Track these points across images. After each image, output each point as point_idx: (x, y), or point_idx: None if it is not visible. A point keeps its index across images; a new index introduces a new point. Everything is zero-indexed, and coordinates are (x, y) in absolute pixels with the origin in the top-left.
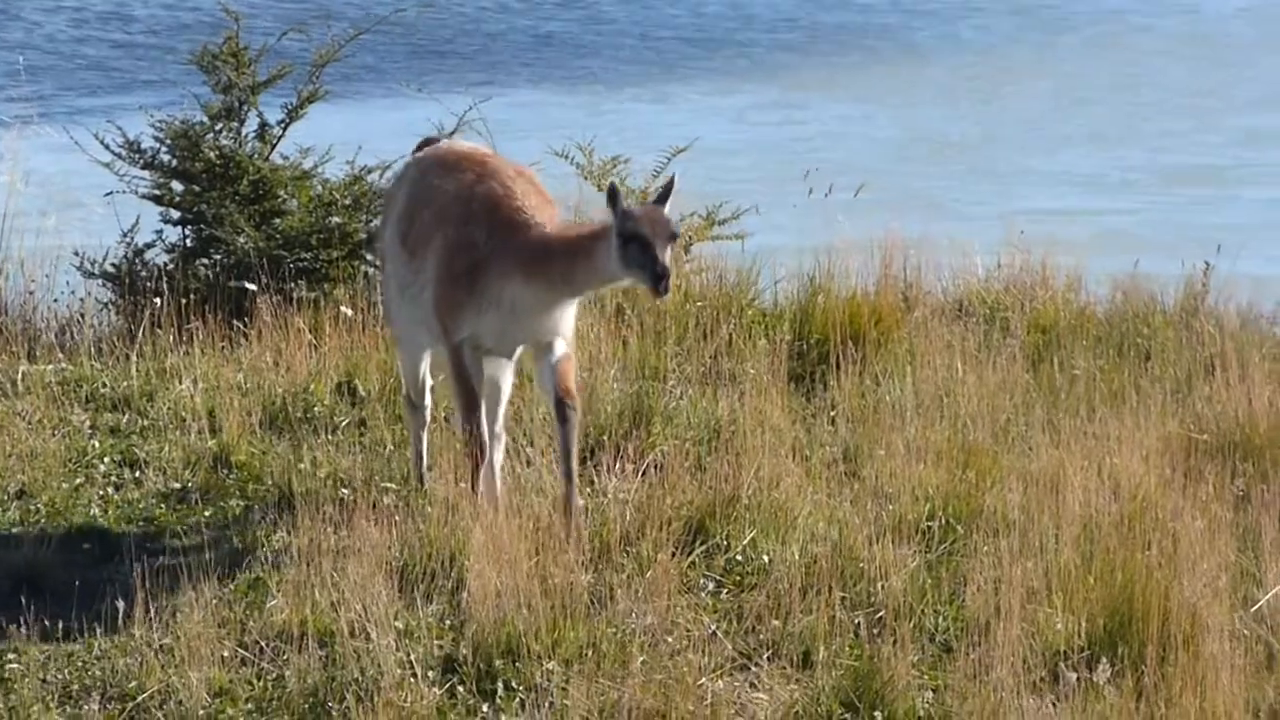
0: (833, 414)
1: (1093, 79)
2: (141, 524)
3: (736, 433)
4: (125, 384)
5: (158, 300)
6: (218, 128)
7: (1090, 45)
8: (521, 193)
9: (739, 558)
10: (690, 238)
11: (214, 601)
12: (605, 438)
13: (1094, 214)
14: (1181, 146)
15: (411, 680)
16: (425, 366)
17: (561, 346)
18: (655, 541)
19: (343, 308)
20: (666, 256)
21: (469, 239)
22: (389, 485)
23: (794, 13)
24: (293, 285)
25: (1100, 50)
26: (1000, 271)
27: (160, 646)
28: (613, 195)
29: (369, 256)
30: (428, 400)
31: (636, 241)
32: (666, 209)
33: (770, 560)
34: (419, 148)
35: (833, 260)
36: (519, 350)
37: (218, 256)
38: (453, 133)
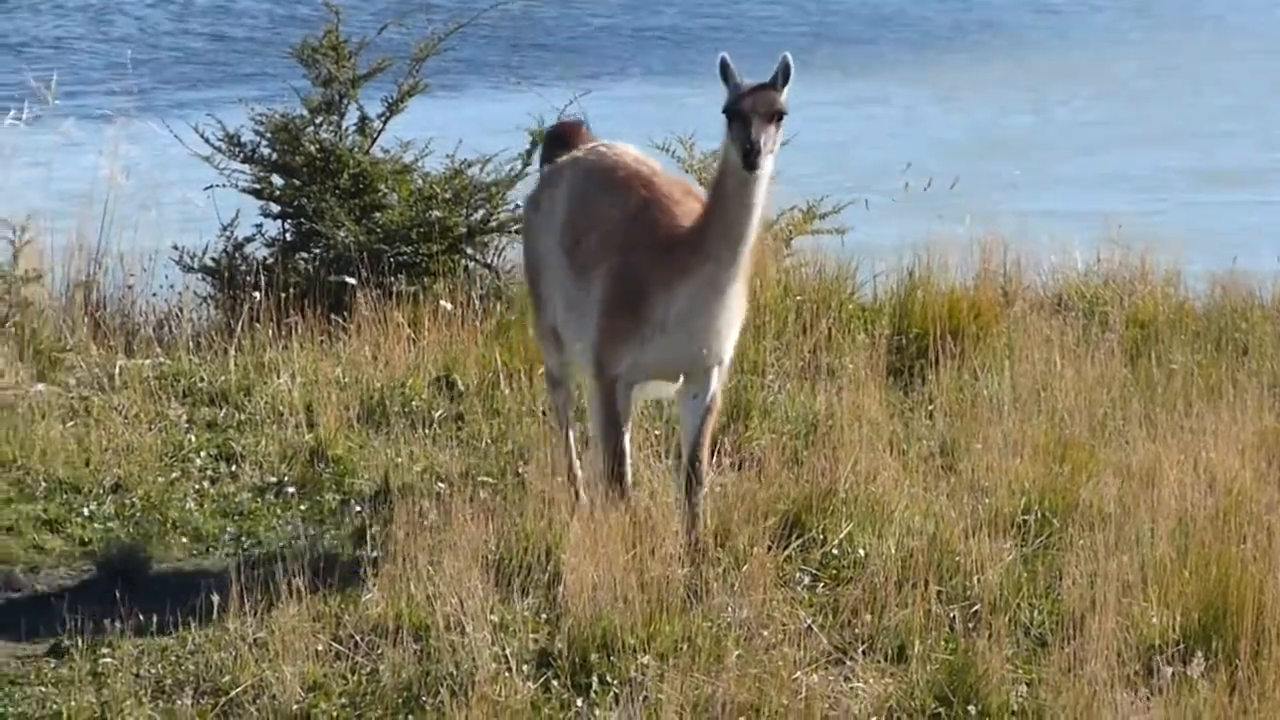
0: (930, 408)
1: (1200, 74)
2: (237, 518)
3: (834, 427)
4: (223, 378)
5: (256, 295)
6: (318, 121)
7: (1200, 39)
8: (685, 213)
9: (835, 551)
10: (790, 231)
11: (309, 595)
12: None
13: (1190, 209)
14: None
15: (506, 674)
16: (564, 401)
17: (713, 384)
18: (751, 535)
19: (442, 302)
20: (762, 133)
21: (633, 266)
22: (486, 479)
23: (900, 6)
24: (392, 279)
25: (1211, 45)
26: (1099, 266)
27: (255, 640)
28: (724, 70)
29: (469, 251)
30: (573, 436)
31: (738, 118)
32: (778, 91)
33: (866, 554)
34: (553, 133)
35: (931, 254)
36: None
37: (317, 251)
38: (580, 120)
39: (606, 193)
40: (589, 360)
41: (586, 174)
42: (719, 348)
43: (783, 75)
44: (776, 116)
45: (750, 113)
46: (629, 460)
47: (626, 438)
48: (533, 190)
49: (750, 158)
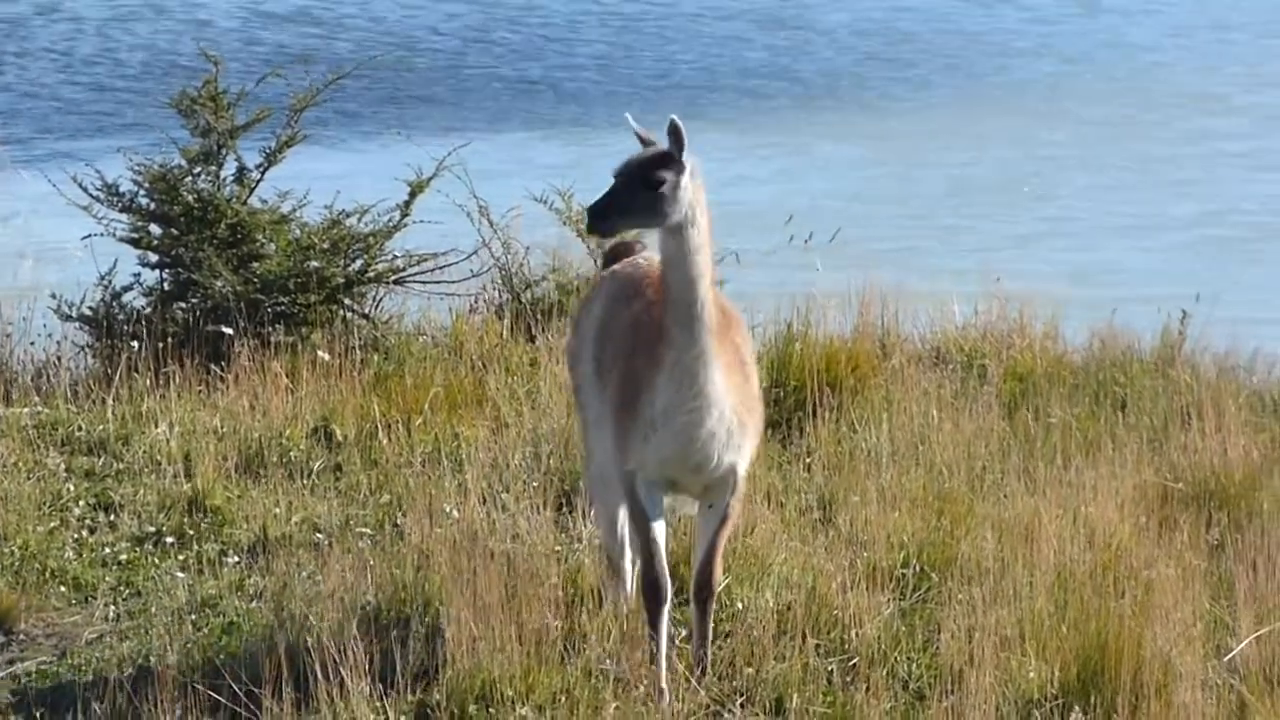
0: (808, 460)
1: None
2: (115, 568)
3: None
4: (101, 427)
5: (135, 344)
6: (196, 171)
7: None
8: None
9: (715, 605)
10: None
11: (188, 646)
12: (581, 483)
13: (1070, 261)
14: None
15: None
16: (624, 516)
17: (728, 496)
18: (631, 588)
19: (320, 352)
20: (616, 194)
21: (631, 367)
22: (364, 530)
23: (776, 60)
24: (270, 329)
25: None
26: (977, 319)
27: (133, 689)
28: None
29: (347, 301)
30: (628, 561)
31: None
32: (659, 156)
33: (744, 607)
34: (609, 251)
35: (810, 307)
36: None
37: (195, 300)
38: (636, 242)
39: (628, 302)
40: (609, 457)
41: (619, 286)
42: (716, 453)
43: (673, 139)
44: (646, 183)
45: (614, 177)
46: (660, 559)
47: (656, 532)
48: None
49: (591, 221)
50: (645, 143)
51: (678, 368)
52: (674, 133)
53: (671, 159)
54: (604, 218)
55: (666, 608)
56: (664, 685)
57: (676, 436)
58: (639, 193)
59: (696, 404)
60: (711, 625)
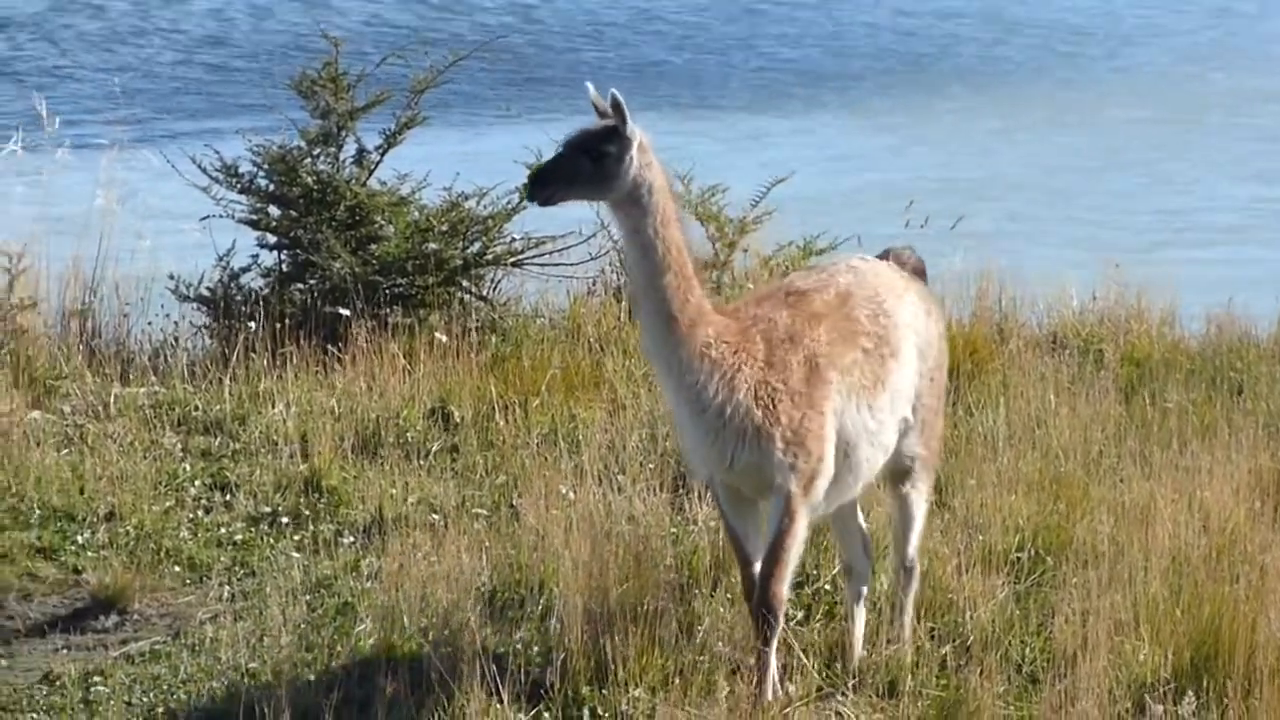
0: None
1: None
2: (230, 548)
3: None
4: (218, 407)
5: (252, 324)
6: (315, 153)
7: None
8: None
9: (827, 587)
10: (787, 267)
11: (302, 626)
12: None
13: (1190, 248)
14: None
15: (498, 706)
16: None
17: (780, 510)
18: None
19: (437, 333)
20: (558, 165)
21: None
22: (480, 511)
23: (890, 45)
24: (388, 311)
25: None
26: (1095, 304)
27: (247, 670)
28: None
29: (465, 283)
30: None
31: None
32: (604, 128)
33: None
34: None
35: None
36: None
37: (313, 281)
38: (902, 248)
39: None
40: None
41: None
42: (721, 452)
43: (615, 112)
44: (589, 155)
45: (560, 148)
46: (743, 559)
47: (735, 531)
48: None
49: (528, 188)
50: (602, 114)
51: (650, 355)
52: (616, 107)
53: (615, 133)
54: (543, 185)
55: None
56: (768, 685)
57: (684, 433)
58: (580, 163)
59: (677, 398)
60: (773, 654)
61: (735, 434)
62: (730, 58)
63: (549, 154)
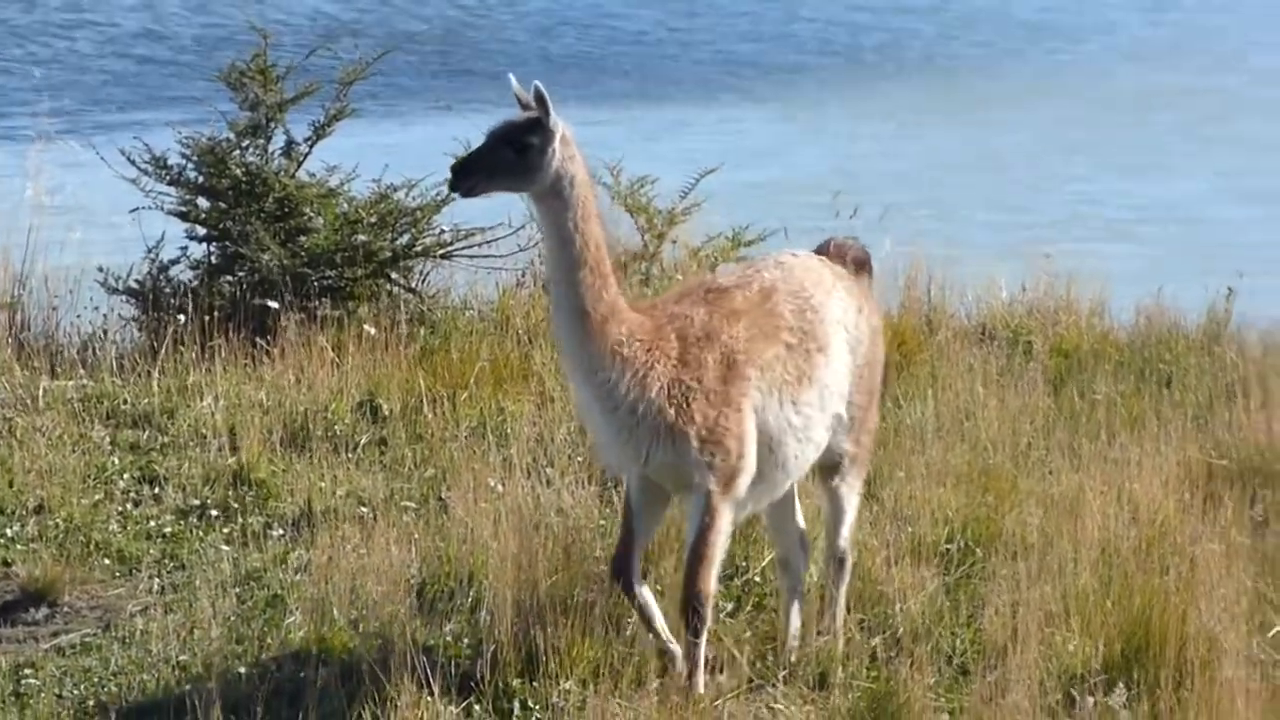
0: None
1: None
2: (160, 541)
3: None
4: (146, 400)
5: (181, 317)
6: (244, 144)
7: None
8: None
9: (757, 579)
10: (716, 258)
11: (232, 618)
12: None
13: (1119, 239)
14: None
15: (428, 699)
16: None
17: (699, 507)
18: (675, 562)
19: (366, 326)
20: (478, 158)
21: None
22: (408, 503)
23: (803, 32)
24: (316, 303)
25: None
26: (1024, 295)
27: (177, 663)
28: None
29: (394, 275)
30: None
31: None
32: (542, 119)
33: None
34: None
35: None
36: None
37: (242, 274)
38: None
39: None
40: None
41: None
42: (635, 448)
43: (539, 104)
44: (512, 146)
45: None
46: (630, 557)
47: (636, 531)
48: None
49: (451, 179)
50: (524, 106)
51: (561, 351)
52: (539, 98)
53: (538, 124)
54: (465, 176)
55: (637, 592)
56: (699, 678)
57: (589, 427)
58: (502, 154)
59: (584, 393)
60: (703, 647)
61: (649, 432)
62: (668, 50)
63: (475, 145)
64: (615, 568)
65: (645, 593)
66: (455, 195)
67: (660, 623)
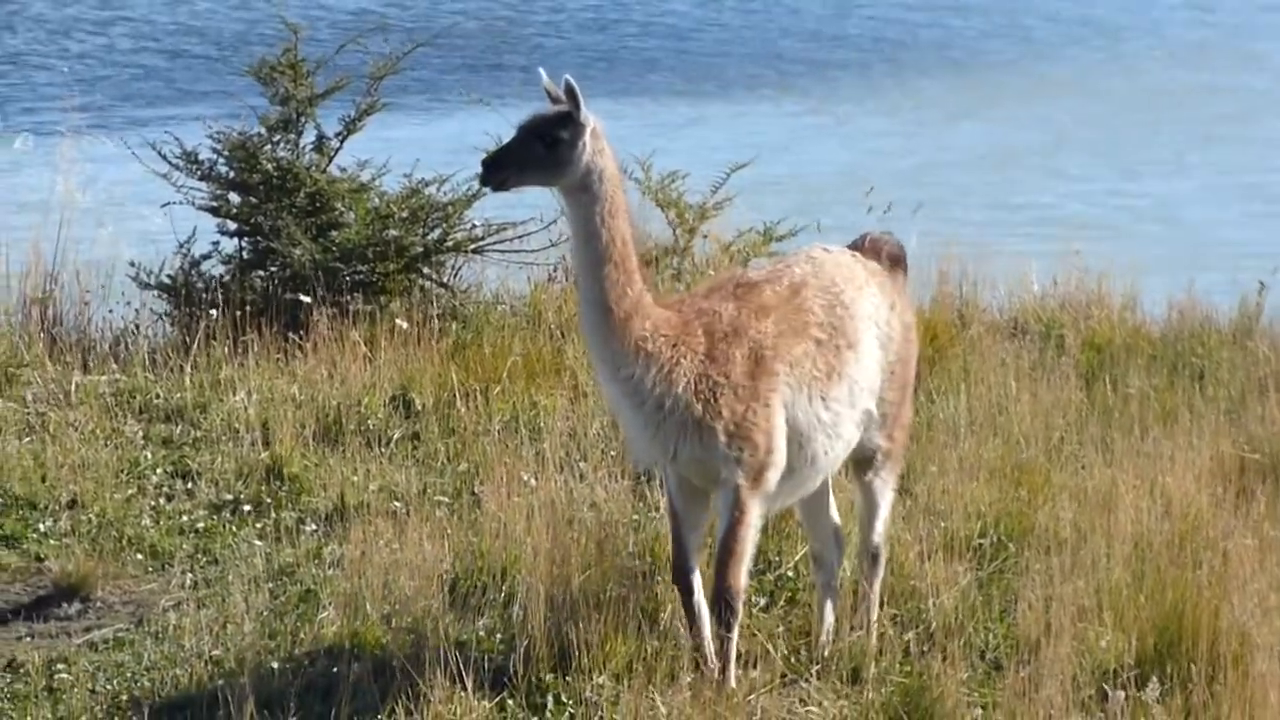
0: None
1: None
2: (192, 535)
3: None
4: (179, 395)
5: (213, 312)
6: (275, 139)
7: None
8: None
9: (790, 574)
10: (748, 253)
11: (265, 613)
12: None
13: (1152, 232)
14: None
15: (461, 693)
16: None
17: (729, 504)
18: (706, 557)
19: (398, 321)
20: (510, 151)
21: None
22: (441, 498)
23: (853, 29)
24: (348, 298)
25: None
26: (1056, 289)
27: (210, 658)
28: (548, 91)
29: (425, 270)
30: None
31: None
32: (559, 113)
33: None
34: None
35: None
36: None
37: (274, 269)
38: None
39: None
40: None
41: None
42: (663, 443)
43: (569, 98)
44: (543, 140)
45: (515, 131)
46: (681, 551)
47: (683, 530)
48: None
49: (482, 173)
50: (554, 100)
51: (587, 346)
52: (570, 92)
53: (569, 118)
54: (496, 170)
55: (694, 598)
56: (711, 668)
57: (619, 422)
58: (533, 148)
59: (611, 389)
60: (734, 642)
61: (676, 427)
62: (706, 46)
63: (505, 139)
64: (675, 573)
65: (700, 601)
66: (487, 190)
67: (708, 633)
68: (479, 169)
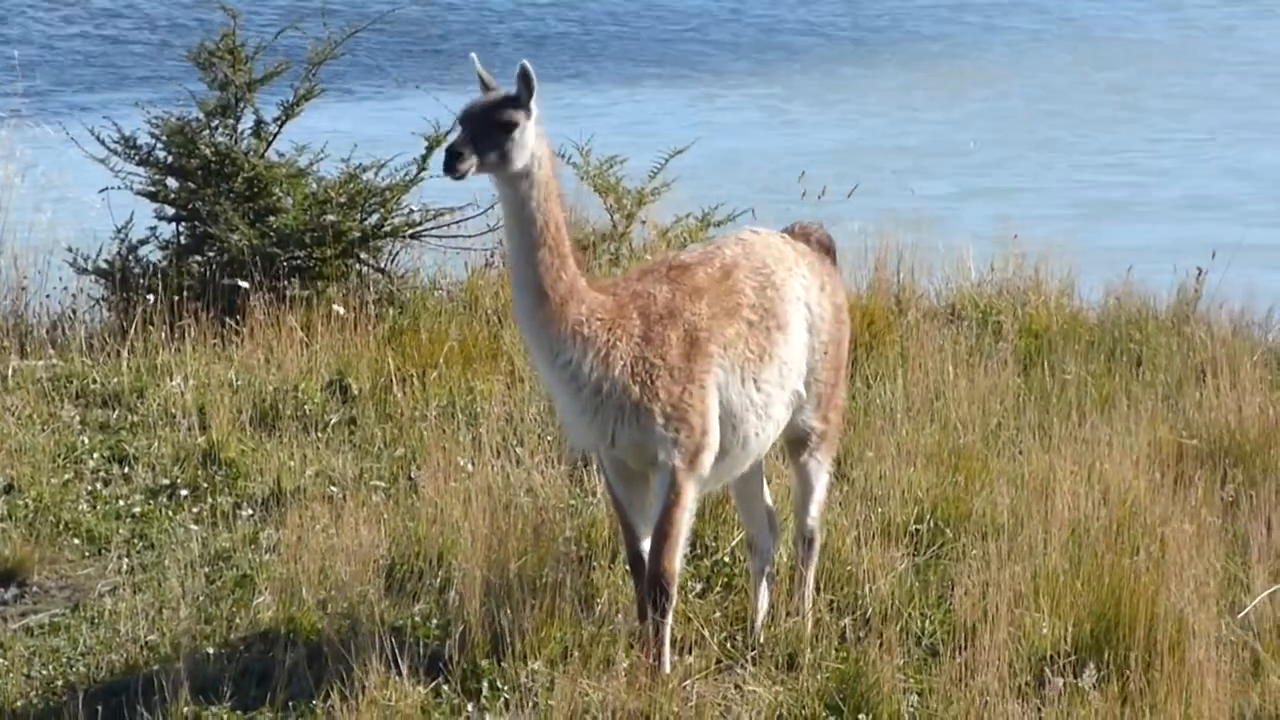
0: None
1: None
2: (129, 520)
3: None
4: (116, 380)
5: (150, 297)
6: (213, 124)
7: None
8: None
9: (726, 559)
10: (685, 238)
11: (201, 598)
12: None
13: (1089, 220)
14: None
15: (396, 679)
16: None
17: (665, 483)
18: None
19: (335, 306)
20: (470, 141)
21: None
22: (378, 483)
23: (791, 15)
24: (286, 283)
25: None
26: (993, 275)
27: (146, 643)
28: (480, 78)
29: (363, 255)
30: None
31: (459, 124)
32: (511, 99)
33: None
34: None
35: None
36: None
37: (211, 254)
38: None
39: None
40: None
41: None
42: (601, 428)
43: (522, 84)
44: (498, 125)
45: (463, 119)
46: (631, 535)
47: (629, 514)
48: None
49: (448, 160)
50: (486, 86)
51: (523, 332)
52: (523, 77)
53: (518, 103)
54: (461, 158)
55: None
56: (665, 658)
57: (557, 407)
58: (493, 135)
59: (548, 374)
60: (669, 627)
61: (614, 411)
62: (625, 30)
63: (454, 128)
64: (631, 558)
65: None
66: (448, 177)
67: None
68: (444, 158)
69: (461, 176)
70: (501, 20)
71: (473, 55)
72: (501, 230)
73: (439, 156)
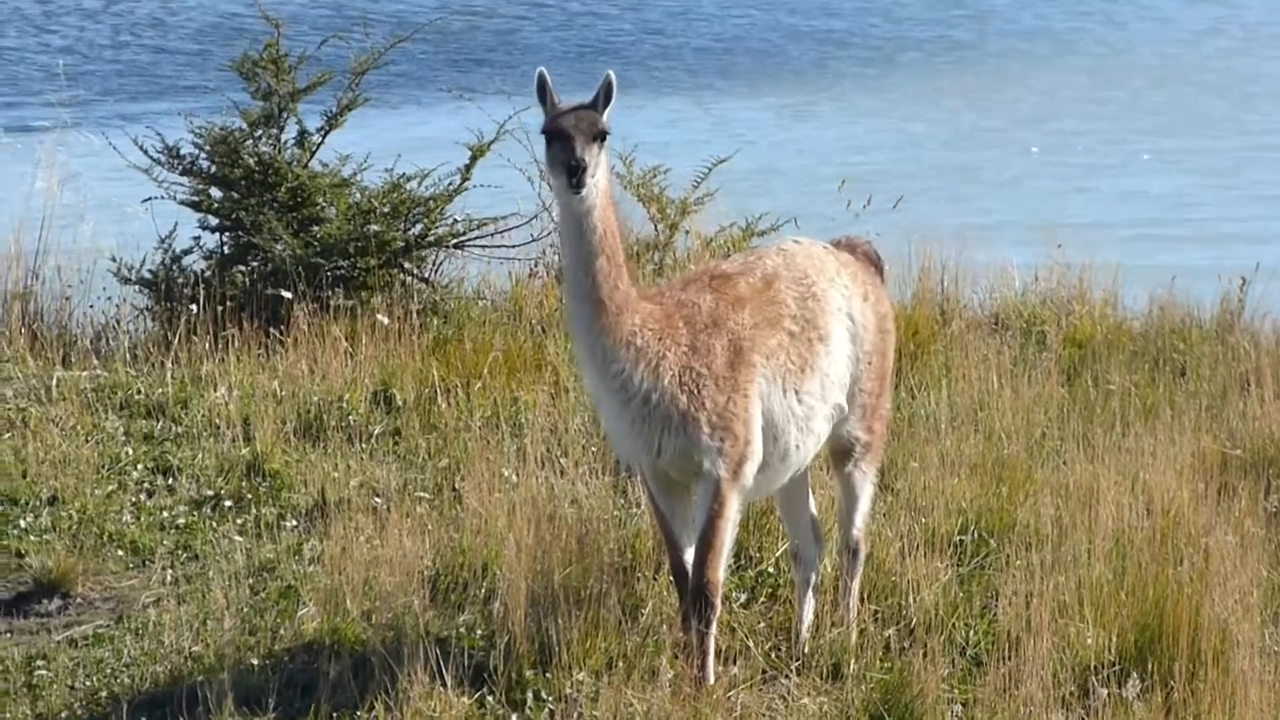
0: None
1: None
2: (173, 531)
3: None
4: (160, 391)
5: (194, 307)
6: (257, 134)
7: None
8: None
9: (770, 570)
10: (729, 248)
11: (245, 609)
12: None
13: (1133, 228)
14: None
15: (441, 690)
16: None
17: (709, 496)
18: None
19: (379, 316)
20: (585, 152)
21: None
22: (422, 494)
23: (839, 25)
24: (329, 293)
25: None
26: (1037, 285)
27: (190, 654)
28: (541, 88)
29: (407, 265)
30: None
31: (558, 137)
32: (599, 111)
33: None
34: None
35: None
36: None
37: (255, 264)
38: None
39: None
40: None
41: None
42: (648, 439)
43: (604, 95)
44: (599, 136)
45: (572, 131)
46: (675, 549)
47: (673, 527)
48: None
49: (576, 175)
50: (550, 98)
51: (575, 341)
52: (607, 89)
53: (598, 112)
54: (587, 172)
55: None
56: (710, 668)
57: (603, 419)
58: (592, 145)
59: (598, 384)
60: (713, 637)
61: (660, 421)
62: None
63: (550, 140)
64: (675, 570)
65: None
66: (576, 194)
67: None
68: (571, 177)
69: (584, 189)
70: (544, 30)
71: (541, 69)
72: (545, 240)
73: (479, 167)
